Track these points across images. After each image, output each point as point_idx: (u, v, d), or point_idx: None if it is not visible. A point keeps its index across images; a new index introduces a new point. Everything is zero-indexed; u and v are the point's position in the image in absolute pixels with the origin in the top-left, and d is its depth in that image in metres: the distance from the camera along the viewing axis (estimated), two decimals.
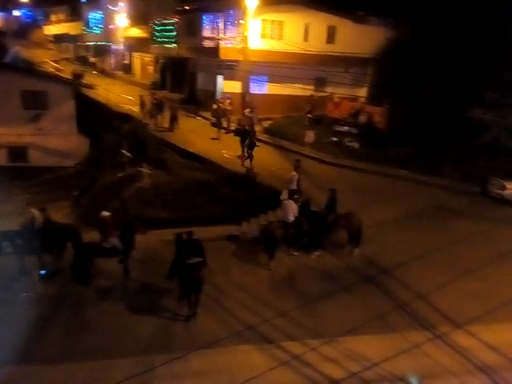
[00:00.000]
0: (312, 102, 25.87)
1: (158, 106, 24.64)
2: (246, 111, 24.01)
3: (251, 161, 18.50)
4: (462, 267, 10.66)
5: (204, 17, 29.28)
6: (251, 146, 18.66)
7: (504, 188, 16.34)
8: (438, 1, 23.10)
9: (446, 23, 22.66)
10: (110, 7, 43.02)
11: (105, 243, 10.72)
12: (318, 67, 25.94)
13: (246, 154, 18.85)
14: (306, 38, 27.73)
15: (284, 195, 14.43)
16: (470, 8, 21.66)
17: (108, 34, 44.49)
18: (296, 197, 13.97)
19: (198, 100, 29.02)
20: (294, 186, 15.20)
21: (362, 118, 23.85)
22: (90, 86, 26.99)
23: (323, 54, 26.75)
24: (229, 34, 26.94)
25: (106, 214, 11.14)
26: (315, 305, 9.50)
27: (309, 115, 24.92)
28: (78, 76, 35.37)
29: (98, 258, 10.79)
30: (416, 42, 24.16)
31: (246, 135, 19.42)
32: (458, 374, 7.91)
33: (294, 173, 15.29)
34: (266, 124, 25.42)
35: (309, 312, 9.44)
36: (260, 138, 23.38)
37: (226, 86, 27.32)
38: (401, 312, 9.48)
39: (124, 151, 17.55)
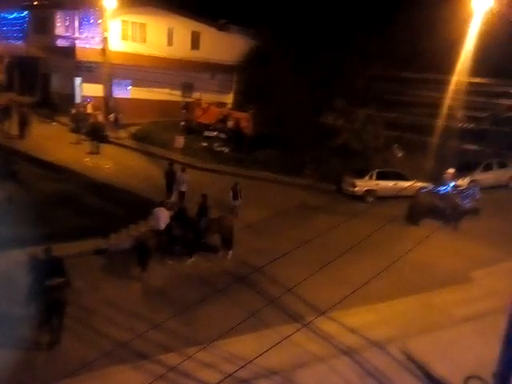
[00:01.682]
0: (186, 108, 25.83)
1: (4, 111, 21.93)
2: (110, 116, 22.98)
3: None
4: (323, 259, 11.55)
5: (57, 13, 26.93)
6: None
7: (354, 185, 18.43)
8: (294, 16, 25.09)
9: (301, 37, 24.75)
10: None
11: None
12: (183, 72, 25.97)
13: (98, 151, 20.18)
14: (170, 43, 27.55)
15: (174, 197, 15.05)
16: (320, 24, 24.02)
17: None
18: (167, 201, 13.92)
19: (54, 104, 26.59)
20: (184, 188, 15.19)
21: (230, 124, 24.61)
22: None
23: (188, 59, 26.87)
24: (86, 34, 25.28)
25: None
26: (191, 312, 9.40)
27: (183, 122, 24.83)
28: None
29: None
30: (276, 52, 25.87)
31: (97, 133, 20.49)
32: (325, 359, 8.60)
33: (183, 173, 15.52)
34: (133, 129, 24.50)
35: (185, 320, 9.31)
36: (127, 144, 22.49)
37: (85, 89, 25.57)
38: (272, 307, 9.95)
39: None
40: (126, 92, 26.50)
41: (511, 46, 18.72)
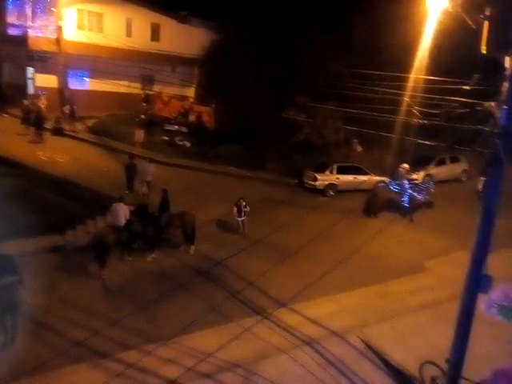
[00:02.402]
0: (147, 101, 25.23)
1: None
2: (65, 108, 22.18)
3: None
4: (285, 251, 11.76)
5: (7, 0, 25.53)
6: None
7: (316, 179, 18.70)
8: (256, 11, 24.99)
9: (264, 32, 24.72)
10: None
11: None
12: (143, 65, 25.33)
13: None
14: (129, 34, 26.81)
15: (144, 189, 15.28)
16: (283, 20, 24.06)
17: None
18: (126, 192, 14.21)
19: (5, 95, 25.26)
20: (150, 178, 15.40)
21: (192, 117, 24.29)
22: None
23: (148, 51, 26.26)
24: (39, 22, 24.11)
25: None
26: (152, 308, 9.25)
27: (143, 115, 24.23)
28: None
29: None
30: (238, 46, 25.70)
31: (40, 122, 20.17)
32: (287, 350, 8.68)
33: (149, 164, 15.80)
34: (90, 122, 23.69)
35: (146, 317, 9.14)
36: (83, 137, 21.75)
37: (38, 79, 24.43)
38: (234, 301, 9.96)
39: None
40: (82, 83, 25.56)
41: (464, 45, 19.49)
